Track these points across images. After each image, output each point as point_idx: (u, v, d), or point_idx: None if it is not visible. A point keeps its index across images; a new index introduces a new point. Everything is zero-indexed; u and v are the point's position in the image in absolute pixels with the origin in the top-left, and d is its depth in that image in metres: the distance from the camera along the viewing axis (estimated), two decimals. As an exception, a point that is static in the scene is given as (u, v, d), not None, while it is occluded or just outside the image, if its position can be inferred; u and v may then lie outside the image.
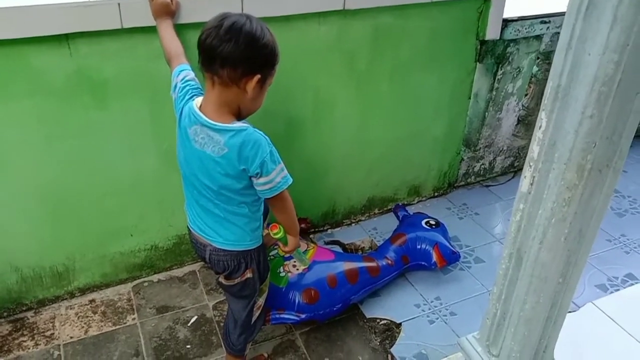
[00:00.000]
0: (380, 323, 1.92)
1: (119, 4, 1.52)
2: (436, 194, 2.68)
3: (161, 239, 2.06)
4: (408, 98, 2.27)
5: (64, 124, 1.68)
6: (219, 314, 1.94)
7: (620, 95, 0.91)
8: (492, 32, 2.23)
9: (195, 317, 1.93)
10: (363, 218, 2.50)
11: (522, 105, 2.70)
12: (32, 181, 1.73)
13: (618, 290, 2.07)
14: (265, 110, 1.96)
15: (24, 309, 1.93)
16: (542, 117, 1.02)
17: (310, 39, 1.91)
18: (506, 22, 2.26)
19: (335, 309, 1.82)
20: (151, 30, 1.61)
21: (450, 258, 2.06)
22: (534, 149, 1.06)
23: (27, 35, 1.48)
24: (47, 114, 1.64)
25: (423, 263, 2.05)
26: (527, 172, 1.10)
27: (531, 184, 1.09)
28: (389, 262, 2.00)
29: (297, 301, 1.78)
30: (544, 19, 2.33)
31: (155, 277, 2.11)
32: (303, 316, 1.78)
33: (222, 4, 1.66)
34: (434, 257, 2.03)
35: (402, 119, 2.32)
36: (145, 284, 2.08)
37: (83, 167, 1.78)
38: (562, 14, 2.15)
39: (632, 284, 2.10)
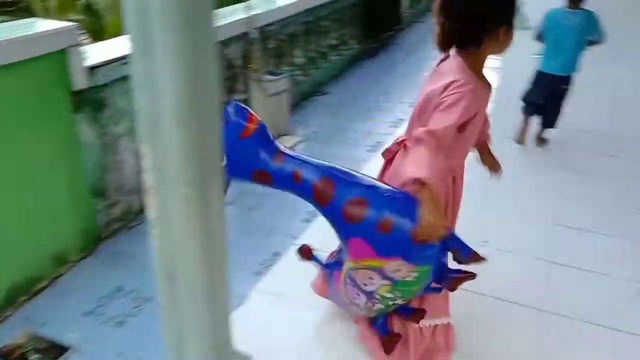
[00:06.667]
0: None
1: None
2: (84, 254, 2.52)
3: None
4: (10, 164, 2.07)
5: None
6: None
7: (199, 115, 1.06)
8: (79, 82, 2.23)
9: None
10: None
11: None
12: None
13: (270, 268, 2.31)
14: None
15: None
16: (146, 148, 1.10)
17: None
18: (93, 69, 2.29)
19: None
20: None
21: None
22: (148, 178, 1.13)
23: None
24: None
25: None
26: (150, 200, 1.16)
27: (157, 209, 1.17)
28: None
29: None
30: (126, 60, 2.46)
31: None
32: None
33: None
34: None
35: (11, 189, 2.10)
36: None
37: None
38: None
39: (279, 260, 2.41)
